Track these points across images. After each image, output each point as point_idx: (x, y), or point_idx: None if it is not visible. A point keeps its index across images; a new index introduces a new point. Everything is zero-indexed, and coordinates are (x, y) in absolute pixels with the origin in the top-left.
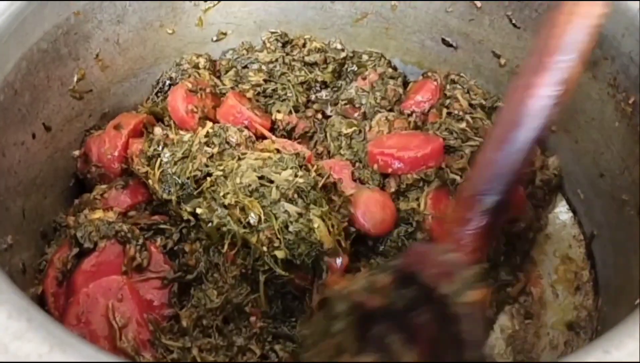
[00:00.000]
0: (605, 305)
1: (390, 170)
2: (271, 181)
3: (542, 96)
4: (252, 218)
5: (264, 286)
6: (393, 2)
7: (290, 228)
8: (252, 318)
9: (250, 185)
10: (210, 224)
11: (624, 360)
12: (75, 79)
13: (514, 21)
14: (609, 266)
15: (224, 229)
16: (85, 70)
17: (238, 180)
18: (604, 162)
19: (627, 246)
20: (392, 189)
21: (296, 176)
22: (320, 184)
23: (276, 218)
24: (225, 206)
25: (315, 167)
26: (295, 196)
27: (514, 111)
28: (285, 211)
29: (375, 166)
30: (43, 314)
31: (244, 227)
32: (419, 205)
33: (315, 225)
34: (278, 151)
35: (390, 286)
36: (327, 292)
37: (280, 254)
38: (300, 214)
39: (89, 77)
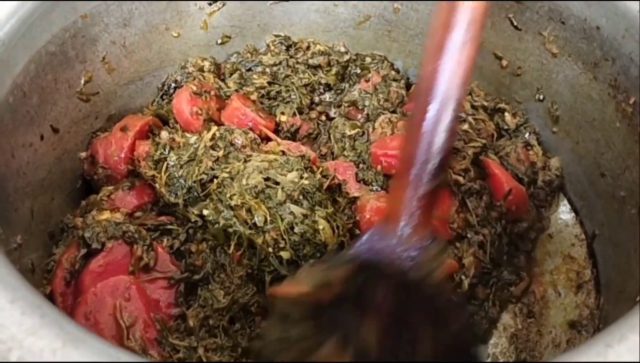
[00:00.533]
0: (606, 303)
1: (393, 171)
2: (277, 183)
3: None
4: (258, 219)
5: (269, 287)
6: (395, 5)
7: (296, 229)
8: (258, 318)
9: (256, 186)
10: (216, 226)
11: (626, 354)
12: (82, 81)
13: (515, 23)
14: (610, 265)
15: (230, 230)
16: (92, 72)
17: (244, 182)
18: (605, 162)
19: (628, 245)
20: None
21: (301, 177)
22: (325, 186)
23: (282, 219)
24: (231, 208)
25: (320, 169)
26: (301, 197)
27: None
28: (291, 213)
29: (379, 167)
30: (56, 311)
31: (250, 228)
32: None
33: (321, 227)
34: (283, 153)
35: (346, 279)
36: (277, 301)
37: (285, 255)
38: (305, 216)
39: (96, 80)
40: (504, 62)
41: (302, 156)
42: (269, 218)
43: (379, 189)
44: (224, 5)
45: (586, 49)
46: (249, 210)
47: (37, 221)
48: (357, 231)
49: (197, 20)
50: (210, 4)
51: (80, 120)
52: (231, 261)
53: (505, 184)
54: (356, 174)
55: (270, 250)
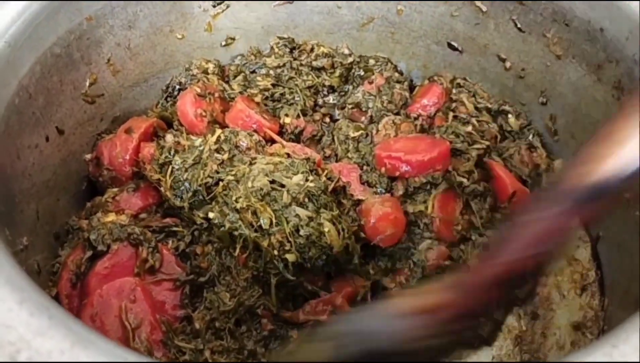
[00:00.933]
0: (611, 305)
1: (397, 173)
2: (282, 186)
3: None
4: (264, 222)
5: (275, 289)
6: (399, 7)
7: (301, 232)
8: (264, 320)
9: (261, 189)
10: (222, 228)
11: (631, 354)
12: (87, 83)
13: (519, 25)
14: (614, 266)
15: (236, 233)
16: (97, 74)
17: (250, 184)
18: None
19: (632, 246)
20: (400, 193)
21: (307, 180)
22: (330, 188)
23: (287, 222)
24: (237, 211)
25: (325, 171)
26: (306, 200)
27: None
28: (296, 215)
29: (383, 170)
30: (63, 312)
31: (255, 231)
32: (426, 208)
33: (326, 229)
34: (288, 155)
35: None
36: None
37: (291, 257)
38: (310, 218)
39: (101, 82)
40: (508, 64)
41: (307, 159)
42: (274, 221)
43: (384, 191)
44: (227, 7)
45: (590, 51)
46: (254, 213)
47: (42, 223)
48: (362, 235)
49: (201, 22)
50: (214, 6)
51: (85, 122)
52: (237, 264)
53: (510, 186)
54: (360, 176)
55: (276, 252)
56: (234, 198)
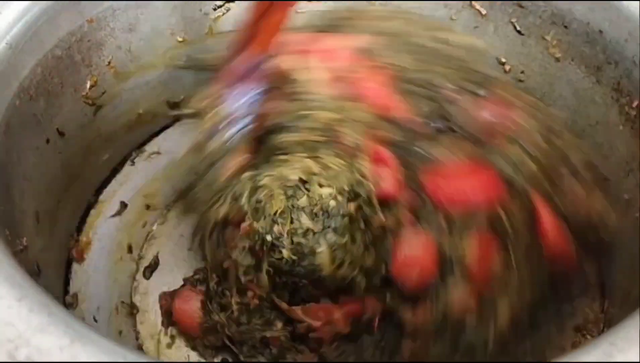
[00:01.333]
0: (611, 307)
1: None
2: (309, 189)
3: None
4: (271, 207)
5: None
6: None
7: (294, 239)
8: (250, 294)
9: (289, 181)
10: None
11: (630, 353)
12: (88, 85)
13: (518, 28)
14: (615, 268)
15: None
16: (97, 77)
17: (283, 172)
18: (609, 166)
19: (632, 248)
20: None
21: (332, 197)
22: (375, 224)
23: (291, 221)
24: (256, 188)
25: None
26: (319, 213)
27: None
28: (299, 220)
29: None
30: (63, 309)
31: (256, 210)
32: (464, 248)
33: (319, 249)
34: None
35: None
36: None
37: (285, 253)
38: (309, 231)
39: (101, 84)
40: (507, 67)
41: (360, 182)
42: (279, 212)
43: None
44: (228, 10)
45: (589, 53)
46: (271, 196)
47: (42, 224)
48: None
49: (202, 25)
50: (215, 9)
51: (86, 124)
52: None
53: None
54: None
55: (269, 238)
56: (262, 175)
